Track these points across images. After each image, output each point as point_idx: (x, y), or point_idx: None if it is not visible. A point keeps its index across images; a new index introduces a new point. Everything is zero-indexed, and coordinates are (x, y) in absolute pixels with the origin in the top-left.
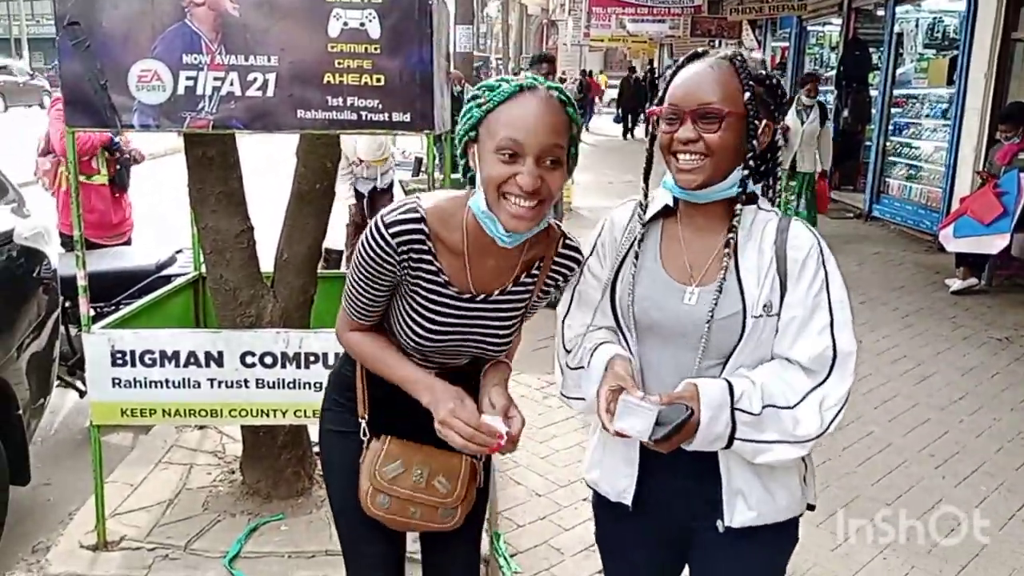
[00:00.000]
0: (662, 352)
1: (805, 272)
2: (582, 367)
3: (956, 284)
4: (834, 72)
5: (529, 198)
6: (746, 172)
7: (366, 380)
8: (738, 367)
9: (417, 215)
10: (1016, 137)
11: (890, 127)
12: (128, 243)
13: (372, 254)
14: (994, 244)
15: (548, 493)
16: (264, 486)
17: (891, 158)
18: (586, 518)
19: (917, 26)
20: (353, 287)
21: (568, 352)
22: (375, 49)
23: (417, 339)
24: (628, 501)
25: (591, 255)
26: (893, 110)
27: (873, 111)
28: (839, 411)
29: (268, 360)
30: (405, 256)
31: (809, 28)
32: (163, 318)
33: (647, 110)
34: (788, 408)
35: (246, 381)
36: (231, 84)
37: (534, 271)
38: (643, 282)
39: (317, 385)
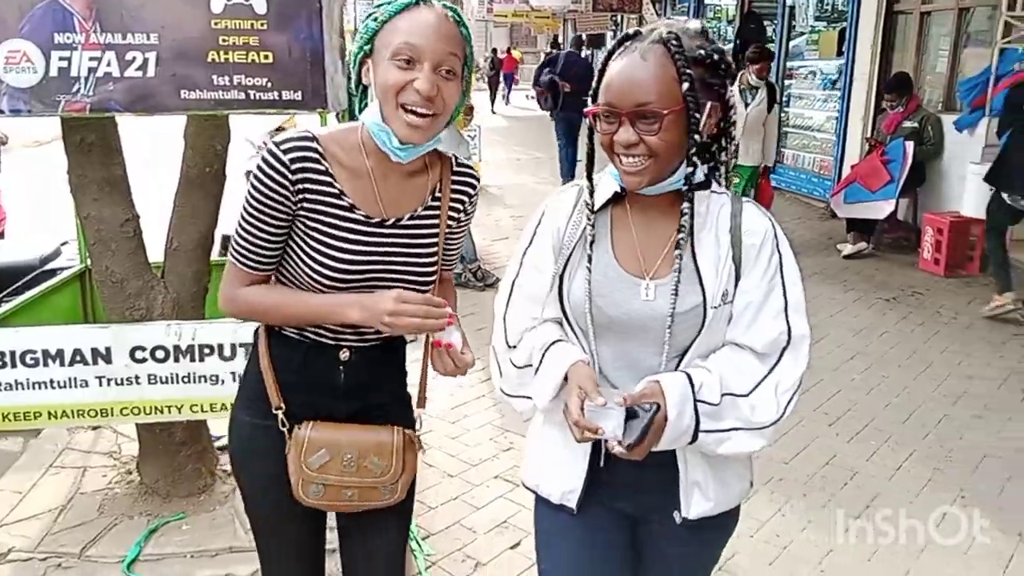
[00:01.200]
0: (619, 348)
1: (761, 257)
2: (530, 365)
3: (847, 248)
4: (731, 46)
5: (425, 105)
6: (691, 169)
7: (275, 366)
8: (694, 358)
9: (309, 135)
10: (900, 106)
11: (783, 98)
12: (0, 236)
13: (267, 179)
14: (882, 209)
15: (460, 473)
16: (163, 485)
17: (785, 128)
18: (497, 495)
19: None
20: (246, 228)
21: (512, 347)
22: (262, 25)
23: (329, 278)
24: (573, 504)
25: (530, 246)
26: (786, 82)
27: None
28: (794, 395)
29: (160, 354)
30: (301, 177)
31: (707, 2)
32: (49, 314)
33: (585, 110)
34: (745, 395)
35: (137, 378)
36: (108, 64)
37: (437, 194)
38: (598, 278)
39: (213, 378)
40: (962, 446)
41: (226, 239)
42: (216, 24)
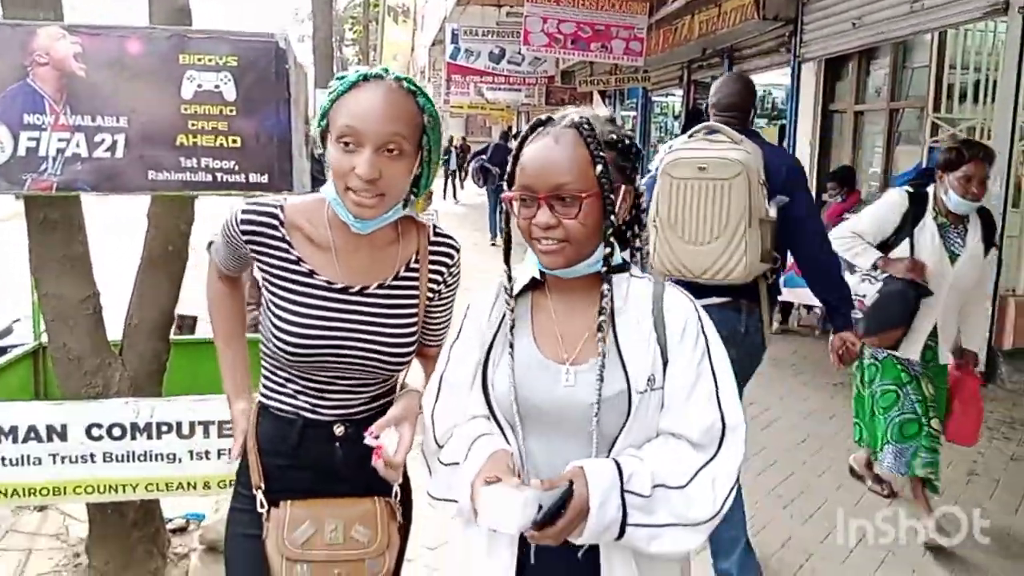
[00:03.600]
0: (544, 441)
1: (686, 340)
2: (456, 463)
3: (773, 326)
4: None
5: (367, 188)
6: (608, 250)
7: (263, 448)
8: (625, 448)
9: (275, 204)
10: (841, 196)
11: None
12: None
13: (225, 232)
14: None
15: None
16: (113, 568)
17: None
18: None
19: None
20: (219, 244)
21: (440, 447)
22: (231, 111)
23: (290, 342)
24: None
25: (457, 340)
26: None
27: None
28: (732, 488)
29: (116, 432)
30: (250, 240)
31: (654, 99)
32: (0, 391)
33: (503, 196)
34: (679, 488)
35: (92, 455)
36: (77, 145)
37: (413, 265)
38: (518, 366)
39: (170, 457)
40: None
41: (181, 318)
42: (186, 109)
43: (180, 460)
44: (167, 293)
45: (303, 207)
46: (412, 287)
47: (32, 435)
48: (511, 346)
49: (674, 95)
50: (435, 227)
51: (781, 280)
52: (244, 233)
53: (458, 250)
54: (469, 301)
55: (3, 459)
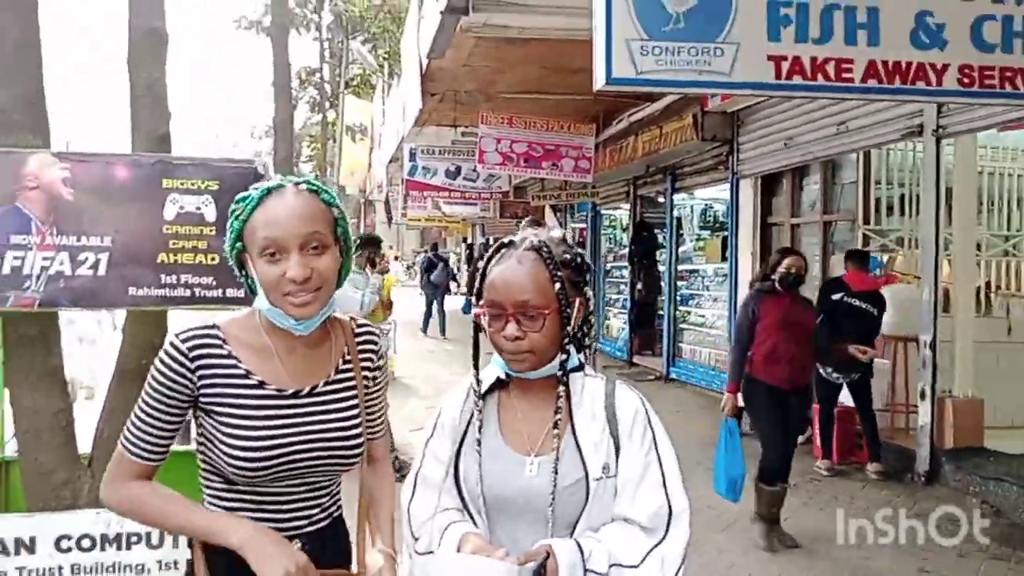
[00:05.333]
0: (511, 528)
1: (635, 432)
2: (431, 552)
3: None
4: (627, 250)
5: (303, 288)
6: (564, 356)
7: (210, 567)
8: (585, 531)
9: (210, 324)
10: None
11: (678, 298)
12: None
13: (165, 369)
14: None
15: None
16: None
17: (681, 325)
18: None
19: (692, 211)
20: (141, 417)
21: (416, 540)
22: (210, 231)
23: (249, 459)
24: None
25: (431, 437)
26: (679, 283)
27: (662, 284)
28: (679, 568)
29: (86, 543)
30: (200, 364)
31: (603, 212)
32: None
33: (472, 311)
34: (633, 567)
35: (60, 568)
36: (60, 264)
37: (348, 358)
38: (487, 458)
39: (139, 568)
40: None
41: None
42: (168, 229)
43: (149, 571)
44: None
45: (234, 323)
46: (349, 379)
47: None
48: (478, 442)
49: (622, 208)
50: (354, 320)
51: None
52: (193, 359)
53: (378, 334)
54: (441, 403)
55: None
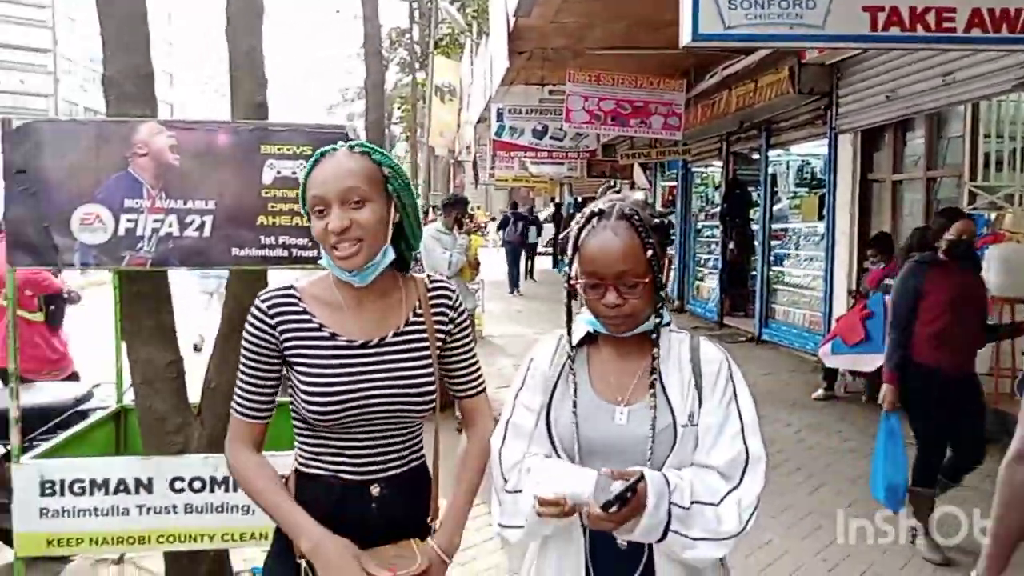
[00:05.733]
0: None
1: (717, 384)
2: (519, 491)
3: (818, 393)
4: (718, 209)
5: (343, 239)
6: (658, 319)
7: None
8: None
9: (288, 285)
10: (882, 262)
11: (771, 258)
12: (72, 378)
13: (252, 328)
14: (869, 363)
15: None
16: None
17: (774, 286)
18: None
19: (788, 168)
20: (242, 379)
21: (506, 481)
22: None
23: (323, 402)
24: None
25: (521, 388)
26: (773, 242)
27: (756, 243)
28: (754, 511)
29: (197, 485)
30: (280, 320)
31: (694, 169)
32: (87, 449)
33: (570, 282)
34: (712, 505)
35: (174, 507)
36: (170, 226)
37: (418, 311)
38: (578, 406)
39: (244, 508)
40: None
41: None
42: (266, 193)
43: (254, 511)
44: None
45: (310, 283)
46: (421, 331)
47: (122, 487)
48: (574, 391)
49: (714, 165)
50: (430, 277)
51: (827, 347)
52: (273, 316)
53: (454, 291)
54: (531, 355)
55: (95, 509)
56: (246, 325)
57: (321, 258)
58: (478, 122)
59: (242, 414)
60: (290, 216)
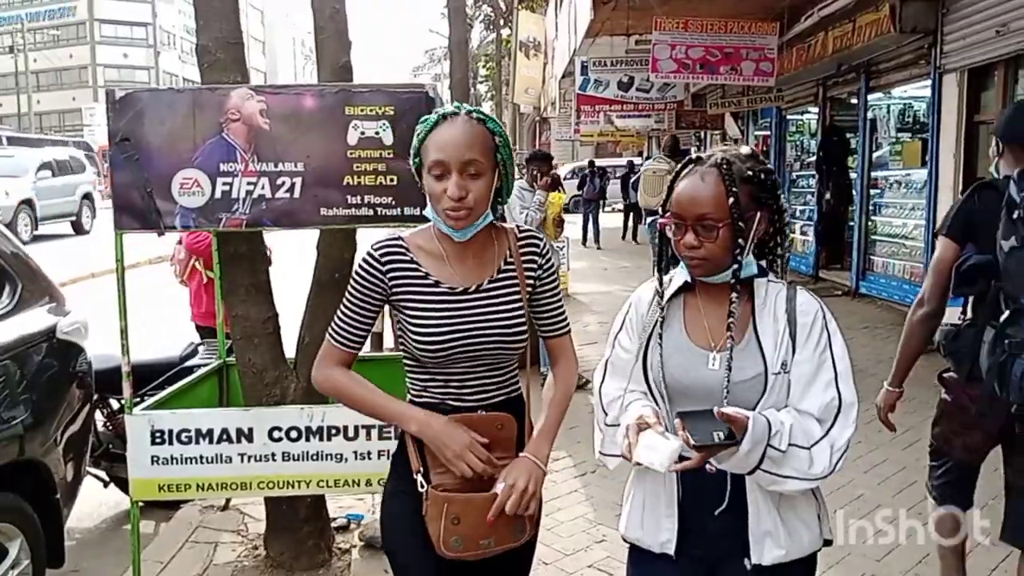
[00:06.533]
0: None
1: (812, 333)
2: (617, 425)
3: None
4: (814, 158)
5: (457, 206)
6: (735, 265)
7: (415, 438)
8: None
9: (396, 236)
10: None
11: (870, 207)
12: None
13: (364, 273)
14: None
15: (554, 562)
16: (287, 558)
17: (873, 237)
18: None
19: (889, 112)
20: (345, 312)
21: (606, 415)
22: (388, 154)
23: (430, 342)
24: (671, 551)
25: (620, 331)
26: (872, 191)
27: (853, 193)
28: (844, 454)
29: (293, 435)
30: (390, 268)
31: (788, 117)
32: (193, 402)
33: (658, 222)
34: (806, 448)
35: (273, 455)
36: (262, 188)
37: (509, 260)
38: (671, 351)
39: (338, 456)
40: None
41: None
42: (351, 154)
43: (346, 459)
44: (334, 315)
45: (416, 235)
46: (512, 278)
47: (224, 437)
48: (660, 336)
49: (809, 112)
50: (518, 227)
51: None
52: (384, 263)
53: (542, 239)
54: (630, 300)
55: (200, 457)
56: (358, 268)
57: (404, 215)
58: (563, 77)
59: (339, 342)
60: (374, 176)
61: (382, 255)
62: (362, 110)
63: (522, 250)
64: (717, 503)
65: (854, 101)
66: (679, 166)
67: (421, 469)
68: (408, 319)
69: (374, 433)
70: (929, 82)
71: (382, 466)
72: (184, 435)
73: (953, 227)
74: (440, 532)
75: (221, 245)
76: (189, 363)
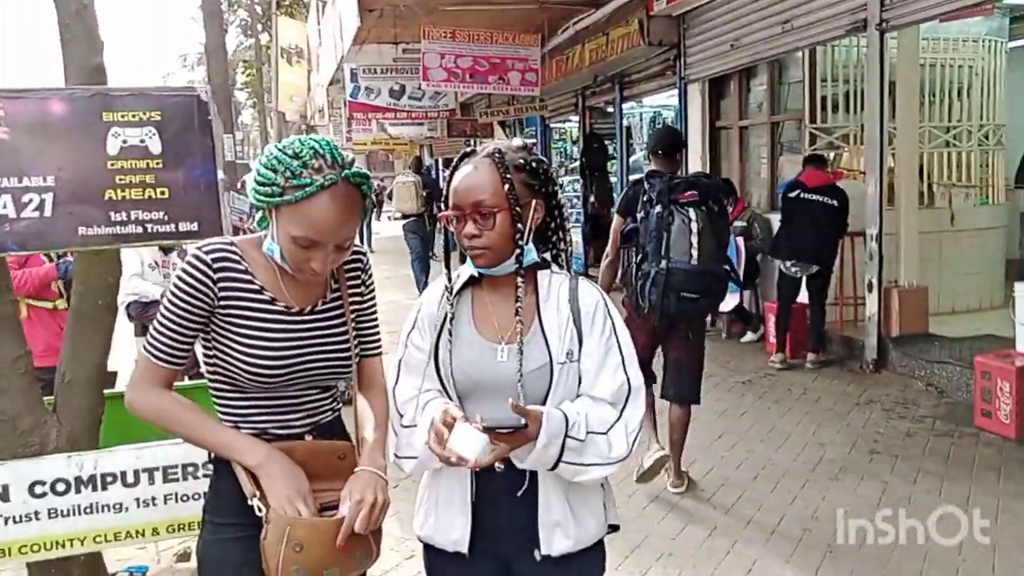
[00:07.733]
0: (483, 408)
1: (596, 322)
2: (414, 426)
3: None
4: (578, 163)
5: (318, 275)
6: (517, 251)
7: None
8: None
9: (228, 240)
10: (729, 207)
11: None
12: None
13: (190, 279)
14: (727, 304)
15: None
16: None
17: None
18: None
19: (641, 119)
20: (165, 324)
21: (401, 416)
22: (157, 164)
23: (265, 366)
24: (464, 549)
25: (412, 329)
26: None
27: (614, 195)
28: (638, 434)
29: (60, 488)
30: (222, 275)
31: (552, 125)
32: None
33: (439, 215)
34: (603, 434)
35: (36, 513)
36: (4, 207)
37: (337, 279)
38: (461, 346)
39: (117, 506)
40: (825, 507)
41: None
42: (112, 165)
43: (127, 509)
44: (100, 347)
45: (246, 242)
46: (339, 298)
47: None
48: (450, 332)
49: (571, 121)
50: None
51: None
52: (216, 270)
53: (364, 253)
54: (421, 298)
55: None
56: (181, 273)
57: (179, 232)
58: (330, 84)
59: (158, 358)
60: (141, 189)
61: (214, 259)
62: (123, 116)
63: (347, 267)
64: (510, 497)
65: (610, 110)
66: (455, 160)
67: (257, 492)
68: (237, 339)
69: (157, 476)
70: (676, 91)
71: (169, 512)
72: None
73: (619, 207)
74: (279, 561)
75: None
76: None
